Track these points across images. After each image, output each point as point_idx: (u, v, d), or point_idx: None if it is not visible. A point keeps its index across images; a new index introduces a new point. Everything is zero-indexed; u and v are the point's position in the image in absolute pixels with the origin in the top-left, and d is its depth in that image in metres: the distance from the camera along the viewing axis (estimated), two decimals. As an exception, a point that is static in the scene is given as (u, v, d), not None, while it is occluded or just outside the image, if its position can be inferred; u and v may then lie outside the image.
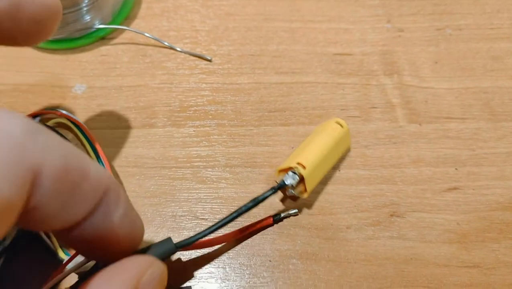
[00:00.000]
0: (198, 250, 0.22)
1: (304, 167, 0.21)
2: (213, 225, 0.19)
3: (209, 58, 0.29)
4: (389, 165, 0.25)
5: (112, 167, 0.24)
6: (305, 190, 0.22)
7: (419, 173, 0.25)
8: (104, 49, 0.29)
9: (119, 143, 0.26)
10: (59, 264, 0.18)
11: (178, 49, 0.29)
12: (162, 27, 0.30)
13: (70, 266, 0.17)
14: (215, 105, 0.27)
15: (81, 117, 0.26)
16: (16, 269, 0.19)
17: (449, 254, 0.22)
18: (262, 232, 0.23)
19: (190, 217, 0.23)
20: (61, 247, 0.20)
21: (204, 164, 0.25)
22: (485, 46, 0.30)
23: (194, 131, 0.26)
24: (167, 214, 0.23)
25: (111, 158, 0.25)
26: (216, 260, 0.22)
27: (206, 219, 0.23)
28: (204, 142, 0.26)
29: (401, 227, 0.23)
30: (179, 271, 0.22)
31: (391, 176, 0.25)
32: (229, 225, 0.23)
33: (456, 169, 0.25)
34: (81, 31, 0.29)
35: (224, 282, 0.22)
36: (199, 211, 0.23)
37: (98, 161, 0.23)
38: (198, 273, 0.22)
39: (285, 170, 0.22)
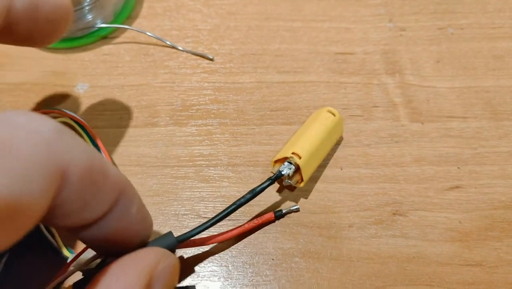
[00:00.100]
0: (201, 249, 0.22)
1: (299, 157, 0.22)
2: (213, 218, 0.19)
3: (211, 57, 0.29)
4: (391, 164, 0.25)
5: (115, 166, 0.24)
6: (301, 179, 0.22)
7: (421, 172, 0.25)
8: (106, 48, 0.29)
9: (121, 142, 0.26)
10: (63, 262, 0.18)
11: (180, 48, 0.29)
12: (164, 26, 0.30)
13: (74, 264, 0.17)
14: (217, 104, 0.27)
15: (83, 116, 0.26)
16: (20, 267, 0.19)
17: (451, 253, 0.22)
18: (265, 230, 0.23)
19: (192, 216, 0.23)
20: (65, 245, 0.20)
21: (207, 163, 0.25)
22: (487, 46, 0.30)
23: (196, 130, 0.26)
24: (169, 213, 0.23)
25: (113, 157, 0.25)
26: (219, 259, 0.22)
27: (209, 217, 0.23)
28: (206, 141, 0.26)
29: (404, 225, 0.23)
30: (182, 270, 0.22)
31: (393, 175, 0.25)
32: (232, 223, 0.23)
33: (458, 168, 0.25)
34: (83, 30, 0.29)
35: (227, 280, 0.22)
36: (201, 210, 0.23)
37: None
38: (201, 272, 0.22)
39: (281, 161, 0.22)
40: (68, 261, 0.18)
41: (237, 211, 0.20)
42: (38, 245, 0.20)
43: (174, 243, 0.17)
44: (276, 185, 0.24)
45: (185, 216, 0.23)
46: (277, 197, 0.24)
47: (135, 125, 0.26)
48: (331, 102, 0.27)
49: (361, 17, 0.31)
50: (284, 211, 0.23)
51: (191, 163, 0.25)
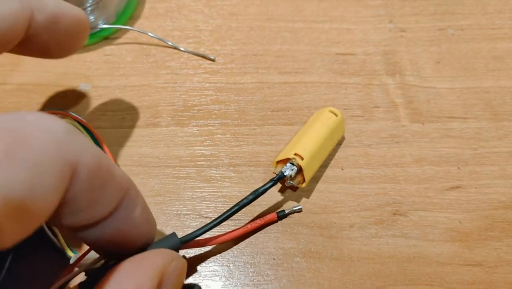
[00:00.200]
0: (202, 248, 0.22)
1: (301, 158, 0.22)
2: (216, 218, 0.19)
3: (212, 57, 0.29)
4: (392, 164, 0.25)
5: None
6: (304, 180, 0.23)
7: (422, 172, 0.25)
8: (108, 48, 0.30)
9: (123, 142, 0.26)
10: (67, 263, 0.18)
11: (182, 48, 0.29)
12: (166, 27, 0.30)
13: (78, 265, 0.18)
14: (218, 104, 0.27)
15: (85, 117, 0.26)
16: (24, 268, 0.19)
17: (451, 253, 0.22)
18: (266, 230, 0.23)
19: (194, 216, 0.23)
20: (68, 245, 0.20)
21: (208, 163, 0.25)
22: (487, 46, 0.30)
23: (198, 130, 0.26)
24: (171, 213, 0.23)
25: (115, 157, 0.25)
26: (220, 258, 0.22)
27: (211, 217, 0.23)
28: (208, 141, 0.26)
29: (404, 225, 0.23)
30: (184, 269, 0.22)
31: (394, 175, 0.25)
32: (234, 223, 0.23)
33: (458, 168, 0.25)
34: (85, 31, 0.29)
35: (228, 280, 0.22)
36: (203, 210, 0.24)
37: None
38: (203, 271, 0.22)
39: (283, 162, 0.23)
40: (72, 261, 0.18)
41: (238, 212, 0.21)
42: (42, 246, 0.20)
43: (177, 244, 0.17)
44: (278, 185, 0.24)
45: (187, 216, 0.23)
46: (279, 197, 0.24)
47: (137, 125, 0.26)
48: (332, 103, 0.27)
49: (361, 18, 0.31)
50: (287, 212, 0.23)
51: (192, 163, 0.25)
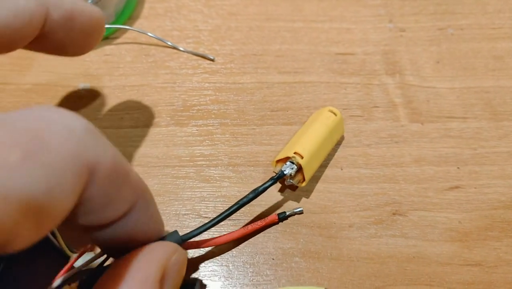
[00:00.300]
0: (202, 249, 0.22)
1: (301, 157, 0.22)
2: (216, 217, 0.19)
3: (212, 57, 0.29)
4: (391, 164, 0.25)
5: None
6: (303, 179, 0.23)
7: (421, 172, 0.25)
8: (107, 48, 0.29)
9: (122, 142, 0.26)
10: (65, 262, 0.18)
11: (181, 48, 0.29)
12: (165, 27, 0.30)
13: (77, 264, 0.18)
14: (218, 104, 0.27)
15: (84, 117, 0.26)
16: (21, 267, 0.19)
17: (451, 253, 0.22)
18: (265, 230, 0.23)
19: (193, 216, 0.23)
20: (67, 245, 0.20)
21: (207, 163, 0.25)
22: (486, 46, 0.30)
23: (197, 130, 0.26)
24: (170, 213, 0.23)
25: (115, 157, 0.25)
26: (219, 258, 0.22)
27: (209, 217, 0.23)
28: (207, 141, 0.26)
29: (403, 225, 0.23)
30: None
31: (393, 175, 0.25)
32: (232, 222, 0.23)
33: (458, 168, 0.25)
34: (84, 31, 0.29)
35: (228, 280, 0.22)
36: (202, 210, 0.24)
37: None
38: (202, 271, 0.22)
39: (283, 160, 0.23)
40: (70, 261, 0.18)
41: (238, 211, 0.20)
42: (40, 245, 0.20)
43: (179, 241, 0.18)
44: (277, 185, 0.24)
45: (186, 216, 0.23)
46: (278, 197, 0.24)
47: (136, 125, 0.26)
48: (332, 103, 0.27)
49: (361, 18, 0.31)
50: (287, 213, 0.23)
51: (192, 163, 0.25)
